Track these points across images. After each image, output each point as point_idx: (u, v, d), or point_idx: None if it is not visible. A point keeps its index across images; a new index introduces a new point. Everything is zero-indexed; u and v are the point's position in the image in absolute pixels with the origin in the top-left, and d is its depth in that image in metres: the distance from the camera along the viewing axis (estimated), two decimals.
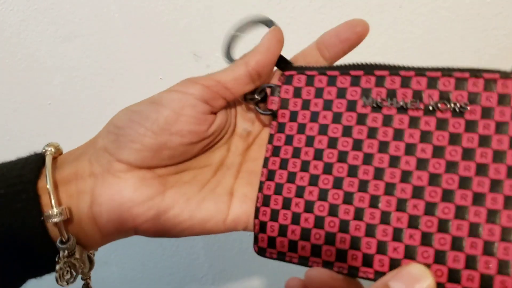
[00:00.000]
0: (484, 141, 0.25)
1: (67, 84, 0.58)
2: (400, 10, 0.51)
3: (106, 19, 0.55)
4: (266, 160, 0.30)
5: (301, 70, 0.30)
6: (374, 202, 0.26)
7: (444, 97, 0.26)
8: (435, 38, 0.51)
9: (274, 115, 0.30)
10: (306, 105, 0.29)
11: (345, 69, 0.29)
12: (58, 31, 0.56)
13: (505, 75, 0.25)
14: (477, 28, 0.49)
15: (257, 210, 0.29)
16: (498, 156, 0.24)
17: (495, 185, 0.24)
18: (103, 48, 0.57)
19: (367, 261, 0.25)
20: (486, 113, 0.25)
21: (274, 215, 0.28)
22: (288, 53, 0.31)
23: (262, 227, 0.28)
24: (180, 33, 0.54)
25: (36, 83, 0.58)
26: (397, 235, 0.25)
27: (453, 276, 0.24)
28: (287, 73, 0.30)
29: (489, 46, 0.49)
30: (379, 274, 0.25)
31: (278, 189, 0.28)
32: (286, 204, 0.28)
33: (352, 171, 0.27)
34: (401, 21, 0.51)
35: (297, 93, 0.30)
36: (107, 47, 0.56)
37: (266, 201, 0.29)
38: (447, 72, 0.26)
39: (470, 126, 0.25)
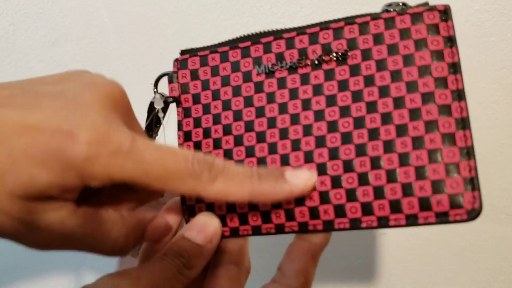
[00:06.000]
0: (368, 80, 0.26)
1: None
2: None
3: (96, 24, 0.55)
4: (180, 147, 0.31)
5: (193, 52, 0.31)
6: (284, 160, 0.28)
7: (326, 49, 0.28)
8: None
9: (177, 101, 0.31)
10: (205, 85, 0.30)
11: (233, 43, 0.30)
12: (48, 36, 0.56)
13: (375, 16, 0.27)
14: (466, 35, 0.50)
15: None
16: (383, 91, 0.26)
17: (386, 117, 0.26)
18: (93, 53, 0.56)
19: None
20: (366, 55, 0.27)
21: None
22: None
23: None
24: (170, 39, 0.54)
25: None
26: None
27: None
28: (180, 58, 0.31)
29: (478, 52, 0.50)
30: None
31: None
32: None
33: (260, 137, 0.28)
34: None
35: (194, 75, 0.31)
36: (97, 52, 0.56)
37: None
38: (324, 25, 0.28)
39: (354, 70, 0.27)
